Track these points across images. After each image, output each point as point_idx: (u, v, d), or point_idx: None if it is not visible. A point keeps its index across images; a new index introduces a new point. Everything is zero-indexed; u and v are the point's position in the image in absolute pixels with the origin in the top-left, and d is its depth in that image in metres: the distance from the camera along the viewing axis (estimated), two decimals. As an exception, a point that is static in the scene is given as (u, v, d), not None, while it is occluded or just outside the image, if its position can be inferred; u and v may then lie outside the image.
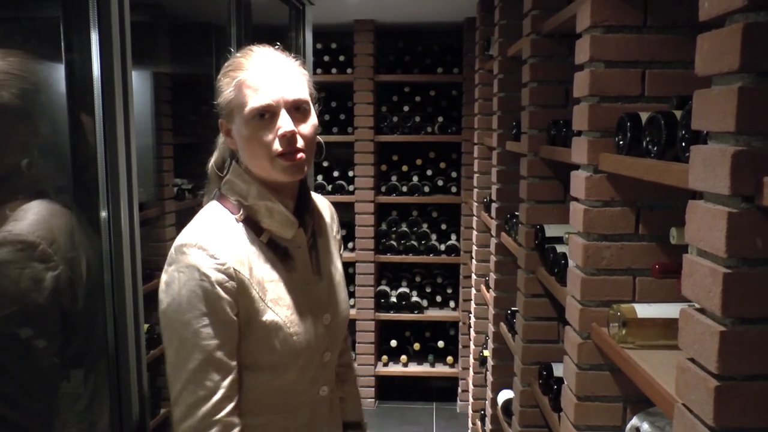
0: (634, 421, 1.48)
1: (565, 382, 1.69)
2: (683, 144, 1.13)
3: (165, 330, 1.32)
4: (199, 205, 1.48)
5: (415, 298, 4.60)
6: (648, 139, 1.28)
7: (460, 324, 4.56)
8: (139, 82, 3.22)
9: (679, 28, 1.48)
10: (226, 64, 1.39)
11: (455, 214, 4.67)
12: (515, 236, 2.67)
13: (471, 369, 3.92)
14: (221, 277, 1.29)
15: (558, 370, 2.17)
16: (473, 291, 3.83)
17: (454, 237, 4.66)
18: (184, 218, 1.43)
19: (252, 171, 1.38)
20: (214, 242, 1.31)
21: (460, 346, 4.57)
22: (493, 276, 3.01)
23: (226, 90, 1.35)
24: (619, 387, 1.59)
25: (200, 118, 4.39)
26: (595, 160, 1.52)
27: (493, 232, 3.01)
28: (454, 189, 4.58)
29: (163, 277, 1.33)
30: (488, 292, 3.34)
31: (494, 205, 2.98)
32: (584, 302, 1.56)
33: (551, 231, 2.18)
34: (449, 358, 4.64)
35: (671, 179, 1.13)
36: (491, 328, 3.05)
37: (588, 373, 1.59)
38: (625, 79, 1.50)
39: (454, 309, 4.67)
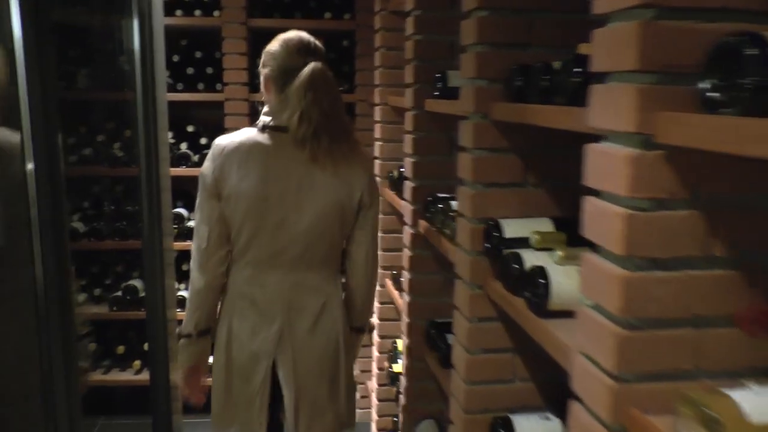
0: None
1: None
2: None
3: None
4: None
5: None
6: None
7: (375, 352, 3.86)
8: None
9: None
10: None
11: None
12: (443, 228, 1.98)
13: (374, 380, 3.24)
14: None
15: (520, 425, 1.52)
16: (376, 285, 3.13)
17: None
18: None
19: None
20: None
21: (357, 345, 3.89)
22: (407, 275, 2.32)
23: None
24: None
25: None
26: (650, 126, 0.83)
27: (408, 219, 2.32)
28: (347, 159, 3.84)
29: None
30: (398, 293, 2.66)
31: (409, 184, 2.28)
32: (621, 376, 0.89)
33: (511, 229, 1.50)
34: (344, 358, 3.95)
35: None
36: (405, 340, 2.38)
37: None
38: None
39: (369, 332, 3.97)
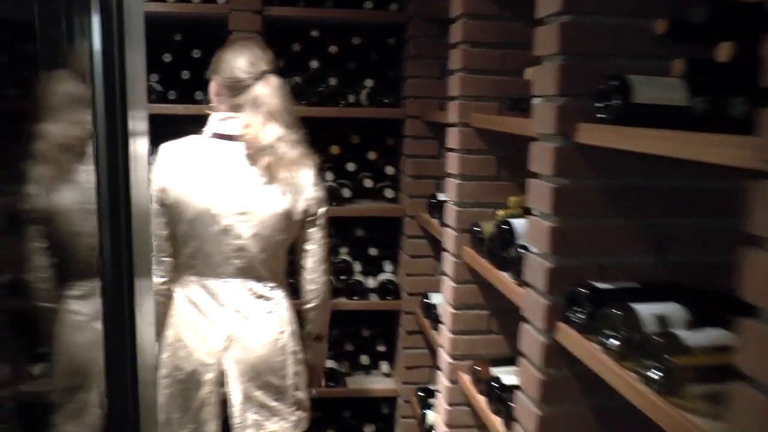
0: None
1: None
2: None
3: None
4: None
5: (329, 363, 2.95)
6: None
7: (399, 401, 2.98)
8: None
9: None
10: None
11: (393, 233, 3.06)
12: (632, 361, 1.10)
13: None
14: None
15: None
16: (444, 376, 2.23)
17: (390, 269, 3.05)
18: None
19: None
20: None
21: (399, 435, 3.00)
22: (535, 410, 1.43)
23: None
24: None
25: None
26: None
27: (536, 320, 1.43)
28: (389, 193, 2.96)
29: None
30: (487, 406, 1.77)
31: (541, 263, 1.38)
32: None
33: None
34: (381, 450, 3.08)
35: None
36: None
37: None
38: None
39: (387, 375, 3.08)
